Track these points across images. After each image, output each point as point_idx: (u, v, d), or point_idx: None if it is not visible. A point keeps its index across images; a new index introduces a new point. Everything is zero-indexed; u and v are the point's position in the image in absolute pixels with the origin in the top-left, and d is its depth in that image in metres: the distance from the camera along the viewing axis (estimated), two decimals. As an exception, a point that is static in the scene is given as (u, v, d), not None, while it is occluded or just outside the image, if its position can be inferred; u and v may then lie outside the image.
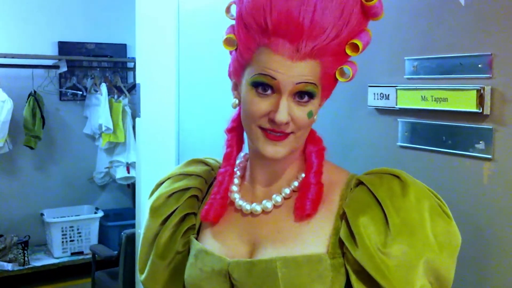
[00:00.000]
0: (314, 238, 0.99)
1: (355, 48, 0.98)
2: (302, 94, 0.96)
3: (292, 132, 0.98)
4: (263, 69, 0.95)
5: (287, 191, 1.05)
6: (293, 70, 0.94)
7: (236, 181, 1.12)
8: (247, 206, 1.07)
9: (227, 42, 1.01)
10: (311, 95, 0.97)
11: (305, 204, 1.00)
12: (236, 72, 1.04)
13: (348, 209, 0.99)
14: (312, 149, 1.06)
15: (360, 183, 1.03)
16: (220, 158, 1.19)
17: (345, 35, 0.96)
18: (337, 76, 1.00)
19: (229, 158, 1.12)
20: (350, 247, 0.95)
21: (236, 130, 1.12)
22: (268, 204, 1.05)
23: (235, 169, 1.13)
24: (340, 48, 0.97)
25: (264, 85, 0.95)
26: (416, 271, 0.93)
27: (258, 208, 1.05)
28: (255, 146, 1.01)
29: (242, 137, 1.12)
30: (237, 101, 1.05)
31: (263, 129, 0.98)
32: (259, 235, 1.04)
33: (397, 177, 1.00)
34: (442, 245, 0.96)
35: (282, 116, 0.94)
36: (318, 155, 1.06)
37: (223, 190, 1.09)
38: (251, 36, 0.97)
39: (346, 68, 1.00)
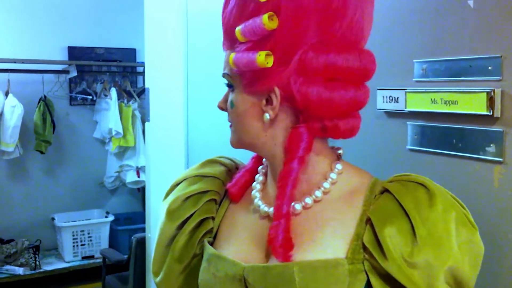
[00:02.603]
0: (332, 242, 0.97)
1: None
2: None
3: (232, 123, 1.06)
4: None
5: (309, 201, 1.01)
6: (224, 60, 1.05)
7: (260, 178, 1.10)
8: (265, 208, 1.04)
9: None
10: (229, 85, 1.04)
11: (278, 252, 0.97)
12: None
13: (373, 217, 0.96)
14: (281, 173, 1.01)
15: (385, 190, 1.00)
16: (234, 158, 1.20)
17: (234, 19, 0.99)
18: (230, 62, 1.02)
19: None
20: (378, 256, 0.93)
21: None
22: None
23: (259, 168, 1.13)
24: (233, 35, 0.99)
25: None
26: (439, 279, 0.93)
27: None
28: None
29: None
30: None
31: None
32: None
33: (423, 185, 0.98)
34: (464, 254, 0.95)
35: (219, 101, 1.07)
36: (283, 176, 1.00)
37: (248, 170, 1.13)
38: None
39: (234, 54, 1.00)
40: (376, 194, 1.00)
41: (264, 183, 1.10)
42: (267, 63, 0.93)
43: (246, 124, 1.02)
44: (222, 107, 1.06)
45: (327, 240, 0.98)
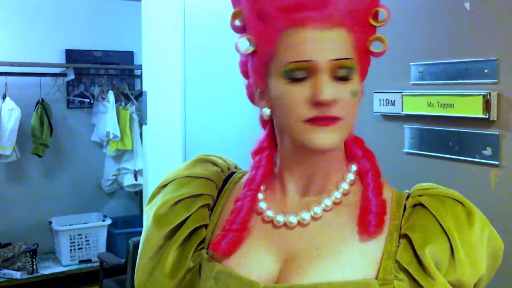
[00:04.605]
0: (360, 260, 0.89)
1: (376, 17, 0.90)
2: (340, 71, 0.85)
3: (340, 118, 0.86)
4: (293, 53, 0.85)
5: (328, 202, 0.92)
6: (325, 40, 0.84)
7: (262, 187, 0.97)
8: (279, 218, 0.93)
9: (239, 44, 0.92)
10: (349, 71, 0.86)
11: (368, 220, 0.89)
12: (260, 77, 0.92)
13: (413, 235, 0.89)
14: (366, 167, 0.95)
15: (418, 204, 0.93)
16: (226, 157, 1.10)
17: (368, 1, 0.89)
18: (370, 48, 0.91)
19: (252, 182, 0.97)
20: (420, 278, 0.87)
21: (264, 152, 0.99)
22: (306, 216, 0.92)
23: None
24: (365, 17, 0.89)
25: (297, 70, 0.85)
26: None
27: (293, 219, 0.92)
28: (301, 141, 0.87)
29: (272, 160, 0.98)
30: (268, 111, 0.92)
31: (309, 121, 0.85)
32: (292, 250, 0.92)
33: (460, 202, 0.93)
34: (488, 265, 0.94)
35: (325, 92, 0.82)
36: (374, 174, 0.95)
37: (241, 220, 0.94)
38: (270, 25, 0.87)
39: (378, 38, 0.91)
40: (407, 208, 0.93)
41: (265, 191, 0.98)
42: None
43: (356, 114, 0.91)
44: (337, 99, 0.85)
45: (353, 256, 0.89)
